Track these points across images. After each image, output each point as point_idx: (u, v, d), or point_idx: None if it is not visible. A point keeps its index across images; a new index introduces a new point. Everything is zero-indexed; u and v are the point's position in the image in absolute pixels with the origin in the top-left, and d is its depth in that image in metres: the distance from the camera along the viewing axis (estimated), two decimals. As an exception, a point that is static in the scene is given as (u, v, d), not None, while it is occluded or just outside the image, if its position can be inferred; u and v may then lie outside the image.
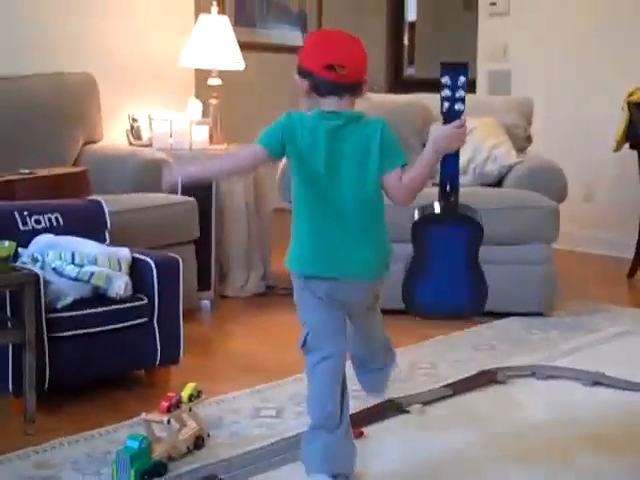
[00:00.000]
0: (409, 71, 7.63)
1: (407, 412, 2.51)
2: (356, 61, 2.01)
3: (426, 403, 2.57)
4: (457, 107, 2.17)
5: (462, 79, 2.18)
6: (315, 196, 2.02)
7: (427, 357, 3.08)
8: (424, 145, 4.39)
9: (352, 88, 2.00)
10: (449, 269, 2.40)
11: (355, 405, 2.55)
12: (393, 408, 2.52)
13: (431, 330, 3.40)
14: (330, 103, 2.00)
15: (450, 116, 2.13)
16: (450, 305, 2.44)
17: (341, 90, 1.99)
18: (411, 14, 7.47)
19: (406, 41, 7.49)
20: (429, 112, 4.25)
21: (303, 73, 2.04)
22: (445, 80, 2.18)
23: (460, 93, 2.18)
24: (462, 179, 3.94)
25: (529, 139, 4.31)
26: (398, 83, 7.35)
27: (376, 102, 4.45)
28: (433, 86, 4.61)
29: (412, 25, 7.47)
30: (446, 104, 2.17)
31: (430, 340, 3.30)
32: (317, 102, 2.02)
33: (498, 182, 4.03)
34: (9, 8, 4.00)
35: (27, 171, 3.23)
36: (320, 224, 2.02)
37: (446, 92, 2.18)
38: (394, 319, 3.55)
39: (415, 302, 2.46)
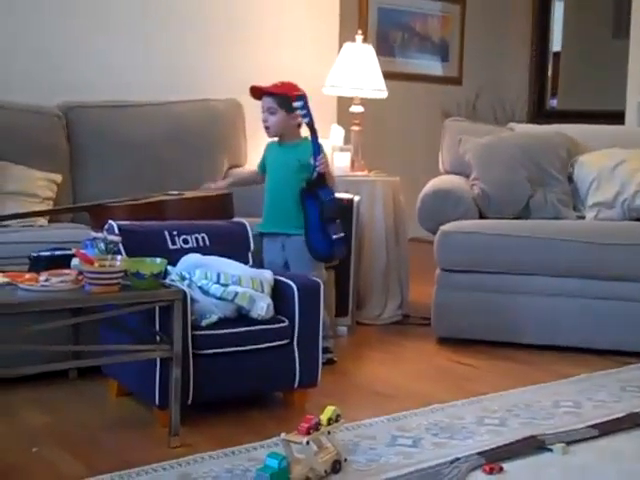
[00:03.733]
0: (551, 102, 7.47)
1: (549, 450, 2.42)
2: None
3: (570, 442, 2.47)
4: None
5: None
6: None
7: (570, 395, 2.96)
8: (570, 178, 4.26)
9: None
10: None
11: (495, 440, 2.49)
12: (535, 445, 2.43)
13: (572, 368, 3.29)
14: None
15: None
16: None
17: None
18: (556, 43, 7.33)
19: (550, 71, 7.33)
20: (575, 143, 4.13)
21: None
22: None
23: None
24: (611, 212, 3.85)
25: (683, 173, 4.11)
26: (540, 114, 7.20)
27: (519, 132, 4.38)
28: (577, 118, 4.53)
29: (556, 55, 7.31)
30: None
31: (572, 378, 3.18)
32: None
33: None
34: (160, 40, 4.21)
35: (176, 192, 3.36)
36: None
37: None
38: (532, 354, 3.48)
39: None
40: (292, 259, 3.20)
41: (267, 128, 3.25)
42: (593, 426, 2.60)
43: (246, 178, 3.56)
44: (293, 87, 3.23)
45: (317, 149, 3.10)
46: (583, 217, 3.94)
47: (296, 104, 3.08)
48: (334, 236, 3.13)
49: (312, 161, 3.10)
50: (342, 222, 3.61)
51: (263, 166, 3.35)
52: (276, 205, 3.22)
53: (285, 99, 3.18)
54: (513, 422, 2.67)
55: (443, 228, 3.64)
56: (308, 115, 3.08)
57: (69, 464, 2.26)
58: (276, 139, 3.29)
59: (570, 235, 3.54)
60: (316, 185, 3.10)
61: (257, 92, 3.25)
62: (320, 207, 3.10)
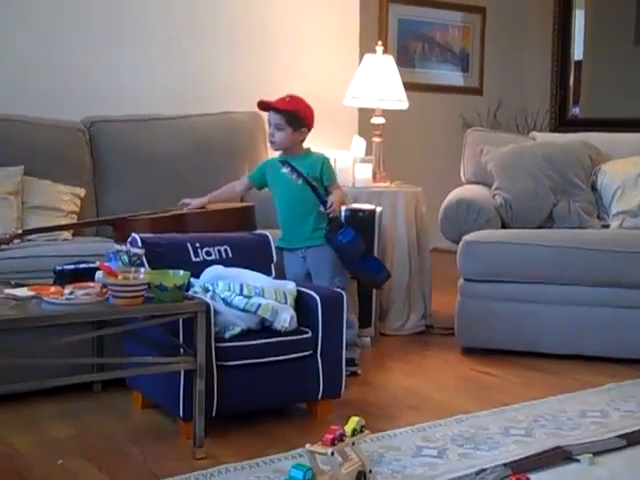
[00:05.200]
0: (573, 111, 7.43)
1: (576, 461, 2.39)
2: None
3: (597, 453, 2.44)
4: None
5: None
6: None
7: (596, 405, 2.93)
8: (593, 186, 4.23)
9: None
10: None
11: (521, 451, 2.47)
12: (561, 456, 2.41)
13: (598, 378, 3.26)
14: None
15: None
16: None
17: None
18: (577, 52, 7.29)
19: (571, 80, 7.29)
20: (598, 152, 4.11)
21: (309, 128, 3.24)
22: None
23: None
24: (635, 221, 3.81)
25: None
26: (562, 123, 7.15)
27: (541, 141, 4.36)
28: (599, 126, 4.49)
29: (578, 63, 7.28)
30: None
31: (598, 388, 3.14)
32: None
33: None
34: (180, 54, 4.24)
35: (198, 205, 3.37)
36: None
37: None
38: (557, 364, 3.45)
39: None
40: (314, 268, 3.22)
41: (272, 143, 3.26)
42: (621, 436, 2.57)
43: (228, 193, 3.47)
44: (301, 102, 3.24)
45: (322, 200, 3.12)
46: (607, 226, 3.91)
47: (284, 170, 3.12)
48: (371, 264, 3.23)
49: (322, 209, 3.12)
50: (364, 233, 3.63)
51: (259, 179, 3.35)
52: (292, 222, 3.24)
53: (292, 117, 3.18)
54: (539, 432, 2.65)
55: (465, 238, 3.62)
56: (301, 176, 3.11)
57: (94, 476, 2.27)
58: (277, 154, 3.30)
59: (594, 244, 3.51)
60: (335, 231, 3.15)
61: (265, 106, 3.26)
62: (348, 247, 3.14)
